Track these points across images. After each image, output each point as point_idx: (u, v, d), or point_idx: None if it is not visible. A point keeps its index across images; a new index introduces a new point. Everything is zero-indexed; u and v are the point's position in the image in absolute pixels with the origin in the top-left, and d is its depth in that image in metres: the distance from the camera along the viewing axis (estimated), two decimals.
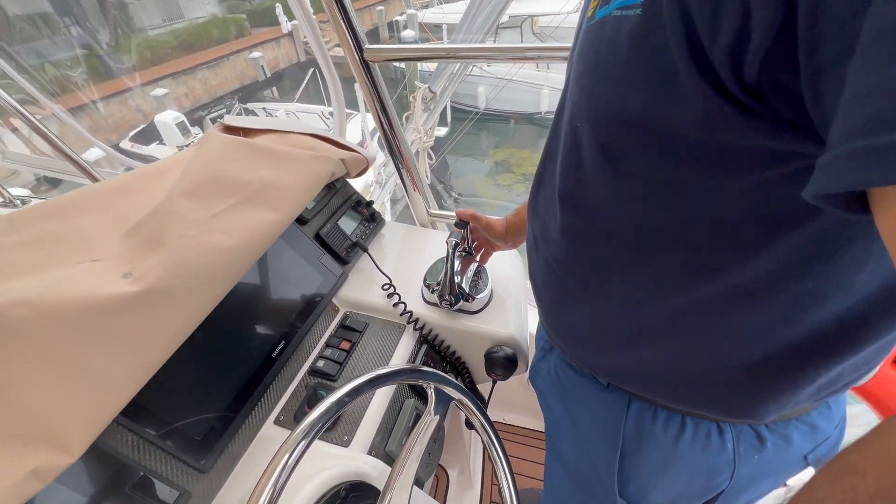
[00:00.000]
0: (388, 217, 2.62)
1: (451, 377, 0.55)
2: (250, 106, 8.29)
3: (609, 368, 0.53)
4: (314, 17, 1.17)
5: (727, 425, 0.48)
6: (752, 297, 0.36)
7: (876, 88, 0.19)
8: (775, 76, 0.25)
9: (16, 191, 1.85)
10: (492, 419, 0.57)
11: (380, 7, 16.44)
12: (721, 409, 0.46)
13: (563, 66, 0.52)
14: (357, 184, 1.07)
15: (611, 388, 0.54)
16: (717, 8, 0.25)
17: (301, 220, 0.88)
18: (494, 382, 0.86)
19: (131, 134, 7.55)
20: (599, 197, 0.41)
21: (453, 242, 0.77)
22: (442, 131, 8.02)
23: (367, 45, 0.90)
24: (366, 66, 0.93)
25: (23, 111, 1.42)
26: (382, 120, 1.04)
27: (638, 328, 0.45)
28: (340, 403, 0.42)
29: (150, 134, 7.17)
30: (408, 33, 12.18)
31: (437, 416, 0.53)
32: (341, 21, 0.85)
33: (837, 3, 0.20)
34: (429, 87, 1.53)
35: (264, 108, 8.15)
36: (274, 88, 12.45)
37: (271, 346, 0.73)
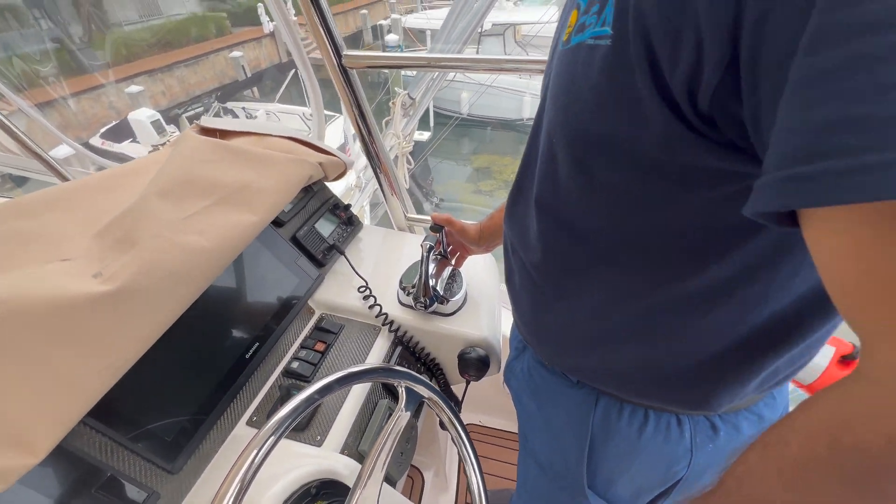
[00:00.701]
0: (367, 221, 2.61)
1: (423, 377, 0.57)
2: (229, 105, 8.13)
3: (579, 367, 0.56)
4: (294, 18, 1.17)
5: (685, 417, 0.51)
6: (711, 299, 0.40)
7: (796, 127, 0.22)
8: (724, 105, 0.28)
9: None
10: (466, 421, 0.59)
11: (364, 10, 16.42)
12: (680, 401, 0.49)
13: (542, 75, 0.55)
14: (338, 187, 1.08)
15: (580, 384, 0.57)
16: (676, 44, 0.28)
17: (277, 223, 0.88)
18: (468, 383, 0.88)
19: (102, 130, 7.29)
20: (574, 206, 0.44)
21: (428, 246, 0.79)
22: (424, 136, 8.04)
23: (345, 52, 0.91)
24: (344, 72, 0.94)
25: None
26: (361, 126, 1.05)
27: (606, 330, 0.49)
28: (310, 401, 0.43)
29: (122, 131, 6.94)
30: (391, 37, 12.20)
31: (408, 413, 0.55)
32: (319, 27, 0.86)
33: (773, 48, 0.23)
34: (408, 94, 1.55)
35: (244, 108, 8.02)
36: (255, 88, 12.26)
37: (245, 347, 0.73)
